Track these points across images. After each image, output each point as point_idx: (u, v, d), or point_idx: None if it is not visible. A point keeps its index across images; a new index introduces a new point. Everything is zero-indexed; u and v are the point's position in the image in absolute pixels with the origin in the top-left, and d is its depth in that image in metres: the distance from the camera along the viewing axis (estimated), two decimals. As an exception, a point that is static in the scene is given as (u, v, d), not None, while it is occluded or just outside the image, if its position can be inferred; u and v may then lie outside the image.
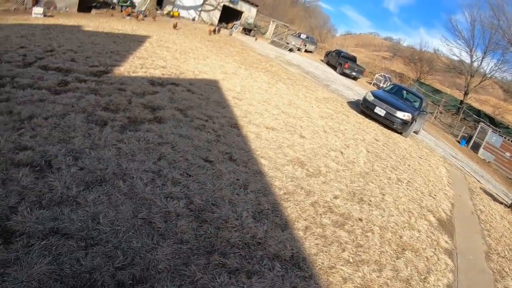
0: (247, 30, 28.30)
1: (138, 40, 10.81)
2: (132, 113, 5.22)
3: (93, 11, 18.55)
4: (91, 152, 3.86)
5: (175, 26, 17.82)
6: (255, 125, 6.61)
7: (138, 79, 6.81)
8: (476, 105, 35.78)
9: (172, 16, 22.72)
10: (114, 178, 3.55)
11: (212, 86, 8.43)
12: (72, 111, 4.79)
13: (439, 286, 4.22)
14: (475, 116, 28.55)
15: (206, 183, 4.07)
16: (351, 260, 3.87)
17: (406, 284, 3.94)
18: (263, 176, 4.82)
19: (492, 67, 32.78)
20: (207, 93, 7.67)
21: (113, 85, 6.04)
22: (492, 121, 28.21)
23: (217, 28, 21.29)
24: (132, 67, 7.44)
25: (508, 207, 9.68)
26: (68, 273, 2.39)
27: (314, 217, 4.37)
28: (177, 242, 3.03)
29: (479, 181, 12.18)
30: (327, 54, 32.24)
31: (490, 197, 10.25)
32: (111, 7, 20.66)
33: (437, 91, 35.04)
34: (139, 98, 5.90)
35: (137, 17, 18.66)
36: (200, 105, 6.54)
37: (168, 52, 10.04)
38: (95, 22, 13.08)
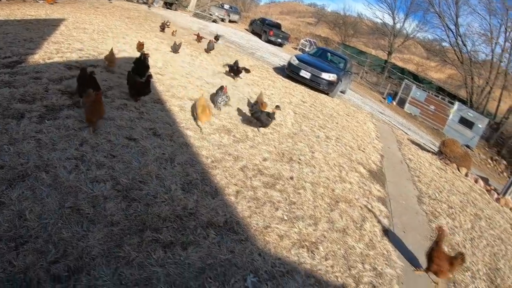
0: (168, 4, 27.15)
1: (52, 25, 9.95)
2: (49, 101, 4.91)
3: (3, -2, 16.66)
4: (10, 148, 3.62)
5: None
6: (178, 98, 6.50)
7: (54, 65, 6.38)
8: (400, 64, 38.44)
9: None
10: (36, 171, 3.39)
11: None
12: (-14, 108, 4.41)
13: (376, 231, 4.58)
14: (400, 74, 30.64)
15: (132, 162, 4.01)
16: (285, 218, 4.03)
17: (343, 233, 4.21)
18: (190, 147, 4.80)
19: (414, 27, 35.28)
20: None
21: (28, 74, 5.64)
22: (416, 78, 30.52)
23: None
24: (47, 53, 6.93)
25: (435, 154, 10.64)
26: (2, 277, 2.32)
27: (244, 181, 4.47)
28: (108, 225, 3.01)
29: (406, 133, 13.22)
30: (252, 22, 32.37)
31: (417, 147, 11.19)
32: (22, -8, 18.69)
33: (362, 53, 36.92)
34: (56, 84, 5.57)
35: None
36: (120, 84, 6.28)
37: (85, 34, 9.43)
38: (6, 10, 11.74)
